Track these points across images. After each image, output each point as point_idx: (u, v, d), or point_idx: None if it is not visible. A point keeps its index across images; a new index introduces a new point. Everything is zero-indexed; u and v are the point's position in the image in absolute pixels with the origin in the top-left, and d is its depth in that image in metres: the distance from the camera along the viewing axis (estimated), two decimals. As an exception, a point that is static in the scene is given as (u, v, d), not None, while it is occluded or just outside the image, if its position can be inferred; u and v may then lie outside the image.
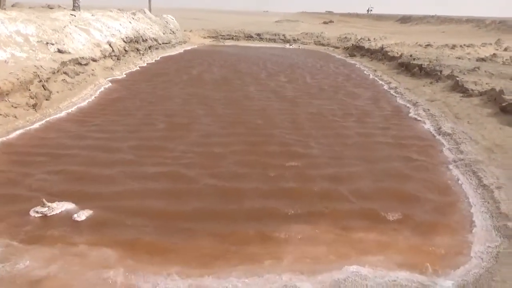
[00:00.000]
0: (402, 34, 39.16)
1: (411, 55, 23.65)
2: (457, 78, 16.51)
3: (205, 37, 41.63)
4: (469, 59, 22.86)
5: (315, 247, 5.99)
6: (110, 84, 17.16)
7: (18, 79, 12.24)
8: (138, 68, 21.91)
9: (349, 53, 32.88)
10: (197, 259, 5.65)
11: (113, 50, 21.42)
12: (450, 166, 9.31)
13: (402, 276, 5.38)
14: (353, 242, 6.21)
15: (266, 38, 42.87)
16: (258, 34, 43.55)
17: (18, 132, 10.40)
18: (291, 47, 39.62)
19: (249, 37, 43.22)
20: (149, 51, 26.78)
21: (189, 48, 33.63)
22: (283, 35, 43.55)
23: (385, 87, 19.19)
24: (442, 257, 5.92)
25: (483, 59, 22.27)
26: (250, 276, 5.28)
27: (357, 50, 33.04)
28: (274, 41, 42.38)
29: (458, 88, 15.76)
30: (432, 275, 5.43)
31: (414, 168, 9.18)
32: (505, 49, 28.56)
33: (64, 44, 17.55)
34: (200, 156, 9.42)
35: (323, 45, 39.87)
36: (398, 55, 24.96)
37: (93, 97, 14.73)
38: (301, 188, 7.94)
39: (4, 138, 9.85)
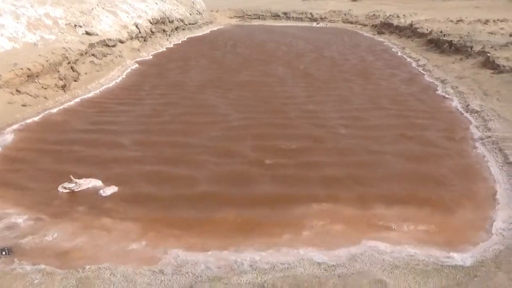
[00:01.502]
0: (433, 10, 37.97)
1: (441, 31, 22.99)
2: (488, 54, 16.01)
3: (231, 17, 41.45)
4: (502, 34, 22.06)
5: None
6: (137, 65, 17.41)
7: (47, 61, 12.58)
8: (165, 49, 22.11)
9: (378, 31, 32.21)
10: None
11: (139, 32, 21.62)
12: (477, 144, 9.13)
13: (420, 251, 5.38)
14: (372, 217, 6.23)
15: (293, 17, 42.36)
16: (285, 13, 43.05)
17: (47, 112, 10.72)
18: (318, 25, 39.06)
19: (276, 16, 42.77)
20: (175, 32, 26.91)
21: (215, 28, 33.59)
22: (310, 13, 42.89)
23: (414, 64, 18.79)
24: (463, 233, 5.88)
25: (517, 34, 21.48)
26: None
27: (385, 27, 32.30)
28: (301, 19, 41.83)
29: (489, 64, 15.29)
30: (451, 250, 5.41)
31: (441, 146, 9.05)
32: (542, 24, 27.43)
33: (91, 26, 17.83)
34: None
35: (351, 23, 39.12)
36: (428, 32, 24.30)
37: (120, 78, 15.01)
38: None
39: (35, 118, 10.18)
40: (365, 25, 36.81)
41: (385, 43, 26.41)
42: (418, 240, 5.66)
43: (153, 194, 6.89)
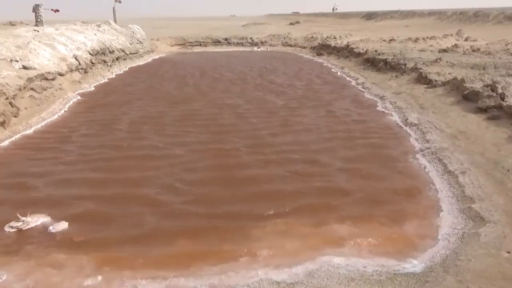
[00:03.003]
0: (367, 31, 39.94)
1: (376, 51, 24.18)
2: (421, 70, 17.02)
3: (172, 45, 41.52)
4: (431, 51, 23.54)
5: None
6: (79, 97, 17.03)
7: (-17, 97, 12.09)
8: (107, 80, 21.78)
9: (316, 52, 33.34)
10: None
11: (79, 63, 21.22)
12: (417, 155, 9.65)
13: (373, 262, 5.59)
14: (328, 234, 6.41)
15: (234, 42, 43.07)
16: (226, 39, 43.70)
17: (-13, 150, 10.28)
18: (259, 50, 39.90)
19: (217, 42, 43.31)
20: (116, 62, 26.61)
21: (157, 57, 33.53)
22: (251, 38, 43.81)
23: (353, 83, 19.61)
24: (412, 241, 6.16)
25: (445, 50, 23.00)
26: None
27: (323, 48, 33.53)
28: (242, 44, 42.59)
29: (422, 79, 16.24)
30: (401, 259, 5.65)
31: (383, 158, 9.47)
32: (466, 39, 29.51)
33: (29, 60, 17.33)
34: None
35: (290, 45, 40.28)
36: (364, 51, 25.48)
37: (62, 111, 14.62)
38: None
39: (-27, 158, 9.74)
40: (304, 47, 38.00)
41: (324, 64, 27.41)
42: (370, 252, 5.87)
43: (104, 228, 6.74)
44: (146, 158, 9.79)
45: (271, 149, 10.14)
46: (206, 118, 13.27)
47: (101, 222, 6.88)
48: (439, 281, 5.09)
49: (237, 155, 9.87)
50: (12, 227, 6.61)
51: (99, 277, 5.39)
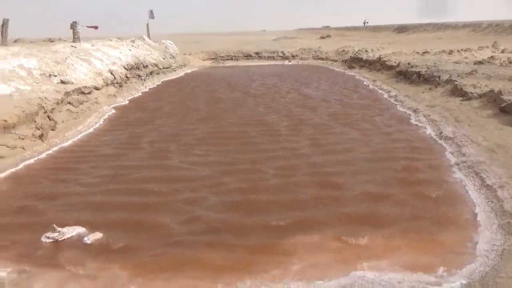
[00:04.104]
0: (399, 44, 39.54)
1: (408, 63, 23.86)
2: (456, 82, 16.67)
3: (204, 59, 42.13)
4: (466, 63, 23.05)
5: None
6: (113, 110, 17.42)
7: (23, 111, 12.52)
8: (140, 94, 22.24)
9: (348, 65, 33.17)
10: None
11: (114, 78, 21.78)
12: (453, 169, 9.40)
13: (408, 278, 5.45)
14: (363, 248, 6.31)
15: (265, 56, 43.30)
16: (257, 53, 44.00)
17: (26, 162, 10.59)
18: (290, 63, 40.02)
19: (248, 56, 43.65)
20: (150, 76, 27.18)
21: (189, 71, 34.05)
22: (282, 52, 43.97)
23: (385, 95, 19.38)
24: (449, 257, 5.98)
25: (480, 62, 22.46)
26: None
27: (355, 62, 33.34)
28: (273, 58, 42.79)
29: (457, 92, 15.90)
30: (438, 275, 5.49)
31: (418, 173, 9.28)
32: (502, 51, 28.78)
33: (66, 75, 17.90)
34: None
35: (321, 59, 40.23)
36: (396, 64, 25.19)
37: (97, 124, 14.98)
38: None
39: (13, 170, 10.05)
40: (335, 61, 37.88)
41: (356, 77, 27.22)
42: (405, 267, 5.73)
43: (144, 233, 6.85)
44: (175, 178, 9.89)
45: (307, 170, 9.86)
46: (236, 136, 13.09)
47: (134, 234, 6.96)
48: (478, 299, 4.92)
49: (265, 177, 9.35)
50: (48, 237, 6.76)
51: (132, 288, 5.45)
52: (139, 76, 25.48)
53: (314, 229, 6.86)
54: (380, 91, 20.86)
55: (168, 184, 9.03)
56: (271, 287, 5.36)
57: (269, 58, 43.04)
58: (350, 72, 30.14)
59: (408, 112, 15.40)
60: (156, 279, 5.66)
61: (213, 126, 14.28)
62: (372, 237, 6.55)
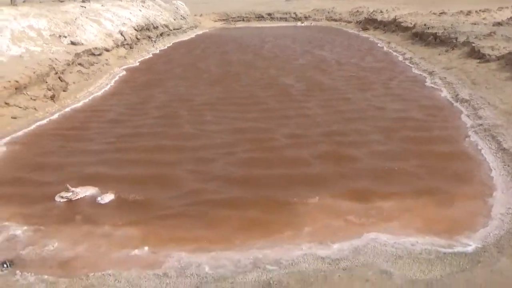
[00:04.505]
0: (415, 4, 38.28)
1: (425, 24, 23.21)
2: (473, 44, 16.20)
3: (215, 21, 41.40)
4: (485, 24, 22.34)
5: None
6: (124, 72, 17.28)
7: (34, 72, 12.47)
8: (151, 55, 22.00)
9: (362, 27, 32.40)
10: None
11: (125, 39, 21.52)
12: (469, 132, 9.23)
13: (421, 240, 5.40)
14: (376, 211, 6.26)
15: (277, 18, 42.41)
16: (269, 14, 43.08)
17: (38, 123, 10.61)
18: (303, 24, 39.20)
19: (260, 17, 42.78)
20: (160, 38, 26.81)
21: (200, 32, 33.53)
22: (294, 13, 42.99)
23: (400, 57, 18.98)
24: (463, 221, 5.92)
25: (499, 24, 21.75)
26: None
27: (369, 23, 32.52)
28: (286, 19, 41.90)
29: (475, 54, 15.47)
30: (452, 238, 5.44)
31: (433, 136, 9.13)
32: (523, 12, 27.81)
33: (76, 36, 17.72)
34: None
35: (335, 20, 39.32)
36: (412, 25, 24.52)
37: (108, 86, 14.90)
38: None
39: (26, 130, 10.08)
40: (349, 22, 37.02)
41: (370, 39, 26.66)
42: (418, 230, 5.68)
43: (154, 194, 6.88)
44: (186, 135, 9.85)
45: (319, 129, 9.80)
46: (247, 100, 12.85)
47: (144, 195, 6.96)
48: (493, 262, 4.88)
49: (278, 144, 9.11)
50: (62, 197, 6.82)
51: (145, 248, 5.48)
52: (149, 37, 25.16)
53: (327, 191, 6.81)
54: (394, 53, 20.41)
55: (177, 148, 8.97)
56: (283, 247, 5.35)
57: (281, 19, 42.15)
58: (364, 34, 29.47)
59: (424, 74, 15.07)
60: (167, 239, 5.68)
61: (224, 90, 14.07)
62: (385, 199, 6.49)
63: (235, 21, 41.79)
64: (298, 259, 5.08)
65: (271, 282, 4.63)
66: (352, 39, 26.76)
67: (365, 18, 34.92)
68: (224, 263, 5.07)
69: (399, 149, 8.46)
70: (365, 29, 31.56)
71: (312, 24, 38.91)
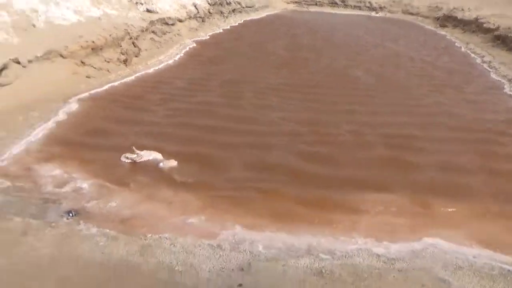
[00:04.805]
0: (502, 5, 36.17)
1: (509, 28, 21.86)
2: (562, 54, 15.11)
3: (288, 2, 40.94)
4: None
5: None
6: (194, 44, 17.52)
7: (110, 35, 12.87)
8: (221, 31, 22.13)
9: (440, 24, 31.01)
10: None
11: (198, 12, 21.76)
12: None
13: (485, 254, 5.13)
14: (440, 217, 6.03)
15: (351, 5, 41.32)
16: (343, 1, 42.04)
17: (110, 84, 11.00)
18: (377, 15, 38.05)
19: (333, 3, 41.84)
20: (232, 14, 26.90)
21: (271, 12, 33.35)
22: (369, 2, 41.72)
23: (478, 60, 17.98)
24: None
25: None
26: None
27: (448, 20, 31.04)
28: (360, 8, 40.79)
29: None
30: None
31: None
32: None
33: (152, 4, 18.07)
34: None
35: (411, 14, 37.81)
36: (495, 27, 23.16)
37: (178, 56, 15.17)
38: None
39: (98, 90, 10.48)
40: (426, 17, 35.48)
41: (447, 37, 25.50)
42: (483, 243, 5.38)
43: (214, 167, 6.98)
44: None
45: (385, 130, 9.42)
46: (314, 87, 12.62)
47: (205, 167, 7.07)
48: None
49: (340, 134, 8.98)
50: (127, 158, 7.05)
51: (202, 217, 5.58)
52: (221, 12, 25.31)
53: (387, 189, 6.62)
54: (472, 55, 19.37)
55: (239, 127, 8.94)
56: (338, 238, 5.27)
57: (355, 7, 41.07)
58: (441, 31, 28.20)
59: (503, 81, 14.21)
60: (223, 213, 5.74)
61: (290, 75, 13.85)
62: (450, 207, 6.21)
63: (307, 4, 41.15)
64: (352, 252, 4.98)
65: (323, 270, 4.58)
66: (428, 36, 25.68)
67: (444, 14, 33.33)
68: (277, 245, 5.07)
69: (470, 161, 7.91)
70: (443, 26, 30.19)
71: (386, 16, 37.70)
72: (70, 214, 5.43)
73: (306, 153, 7.86)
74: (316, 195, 6.41)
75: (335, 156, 7.82)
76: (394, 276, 4.58)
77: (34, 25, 11.30)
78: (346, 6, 41.30)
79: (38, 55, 10.23)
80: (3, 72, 9.38)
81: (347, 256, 4.91)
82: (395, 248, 5.16)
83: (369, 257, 4.94)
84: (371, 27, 27.93)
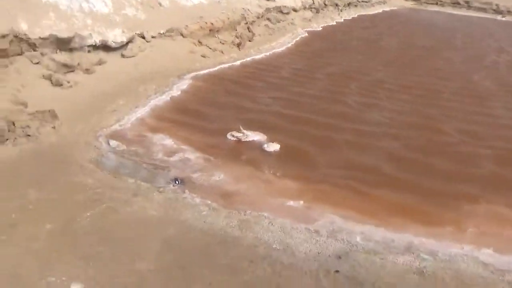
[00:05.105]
0: None
1: None
2: None
3: (406, 0, 39.34)
4: None
5: None
6: (306, 34, 17.46)
7: (228, 18, 13.32)
8: (335, 23, 21.82)
9: None
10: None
11: (313, 3, 21.69)
12: None
13: None
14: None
15: (475, 7, 38.57)
16: (466, 2, 39.39)
17: (222, 66, 11.36)
18: (503, 19, 35.16)
19: (456, 3, 39.34)
20: (347, 7, 26.41)
21: (387, 9, 32.18)
22: (496, 4, 38.64)
23: None
24: None
25: None
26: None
27: None
28: (484, 10, 37.90)
29: None
30: None
31: None
32: None
33: (270, -8, 18.33)
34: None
35: (544, 20, 34.49)
36: None
37: (289, 44, 15.21)
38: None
39: (211, 69, 10.88)
40: (562, 25, 32.13)
41: None
42: None
43: (315, 158, 6.93)
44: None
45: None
46: (423, 90, 11.61)
47: (308, 155, 7.05)
48: None
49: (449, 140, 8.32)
50: (233, 136, 7.25)
51: (301, 202, 5.57)
52: (336, 5, 24.97)
53: (500, 198, 6.11)
54: None
55: (339, 121, 8.64)
56: (441, 241, 4.98)
57: (479, 9, 38.21)
58: None
59: None
60: (322, 200, 5.68)
61: (397, 75, 13.02)
62: None
63: (427, 3, 39.16)
64: (457, 258, 4.67)
65: (425, 271, 4.37)
66: None
67: None
68: (376, 238, 4.91)
69: None
70: None
71: (514, 20, 34.72)
72: (177, 182, 5.71)
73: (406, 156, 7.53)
74: (417, 193, 6.11)
75: (436, 158, 7.38)
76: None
77: (160, 4, 11.99)
78: (469, 7, 38.63)
79: (161, 32, 10.87)
80: (129, 45, 10.10)
81: (450, 260, 4.62)
82: (506, 259, 4.77)
83: (475, 264, 4.62)
84: (496, 31, 25.87)
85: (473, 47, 19.48)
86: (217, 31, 12.55)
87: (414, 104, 10.20)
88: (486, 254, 4.82)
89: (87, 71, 8.79)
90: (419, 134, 8.37)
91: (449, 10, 37.21)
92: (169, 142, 6.91)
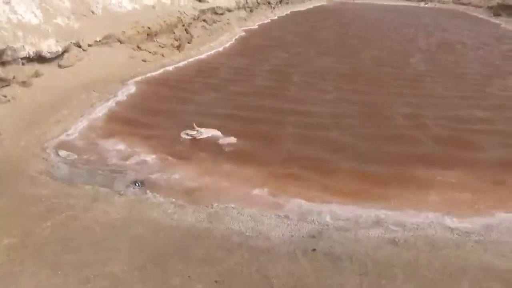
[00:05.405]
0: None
1: None
2: None
3: (335, -6, 40.50)
4: None
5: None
6: (243, 33, 17.62)
7: (165, 21, 13.12)
8: (269, 21, 22.16)
9: (493, 13, 29.83)
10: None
11: (246, 2, 21.83)
12: None
13: None
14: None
15: (400, -4, 40.44)
16: (392, -9, 41.17)
17: (165, 68, 11.22)
18: (426, 5, 37.05)
19: (381, -7, 41.05)
20: (279, 5, 26.91)
21: (318, 4, 33.11)
22: (419, -8, 40.67)
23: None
24: None
25: None
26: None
27: (503, 8, 29.76)
28: (409, -2, 39.83)
29: None
30: None
31: None
32: None
33: (203, -6, 18.25)
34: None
35: (463, 4, 36.59)
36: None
37: (228, 44, 15.34)
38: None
39: (153, 73, 10.70)
40: (479, 7, 34.23)
41: (502, 25, 24.60)
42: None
43: (270, 147, 6.94)
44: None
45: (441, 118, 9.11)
46: (363, 76, 12.01)
47: (263, 145, 7.03)
48: None
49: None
50: (187, 134, 7.13)
51: (265, 190, 5.55)
52: (269, 3, 25.34)
53: (450, 170, 6.36)
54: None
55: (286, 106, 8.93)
56: (407, 212, 5.12)
57: (404, -2, 40.12)
58: (495, 20, 27.17)
59: None
60: (285, 186, 5.69)
61: (337, 63, 13.52)
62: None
63: (355, -5, 40.51)
64: (424, 225, 4.81)
65: (397, 240, 4.47)
66: (483, 25, 24.82)
67: (498, 3, 32.03)
68: (345, 216, 4.96)
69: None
70: (496, 15, 29.04)
71: (436, 6, 36.65)
72: (137, 184, 5.53)
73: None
74: (374, 172, 6.24)
75: (383, 135, 7.67)
76: (472, 246, 4.42)
77: (93, 12, 11.61)
78: (395, -4, 40.39)
79: (98, 39, 10.52)
80: (65, 55, 9.70)
81: (419, 229, 4.73)
82: (468, 221, 4.91)
83: (442, 229, 4.70)
84: (421, 18, 27.20)
85: (405, 32, 20.31)
86: (155, 35, 12.33)
87: (357, 92, 10.41)
88: (450, 219, 4.98)
89: (24, 83, 8.34)
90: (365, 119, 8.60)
91: (375, 0, 38.68)
92: (122, 146, 6.67)
